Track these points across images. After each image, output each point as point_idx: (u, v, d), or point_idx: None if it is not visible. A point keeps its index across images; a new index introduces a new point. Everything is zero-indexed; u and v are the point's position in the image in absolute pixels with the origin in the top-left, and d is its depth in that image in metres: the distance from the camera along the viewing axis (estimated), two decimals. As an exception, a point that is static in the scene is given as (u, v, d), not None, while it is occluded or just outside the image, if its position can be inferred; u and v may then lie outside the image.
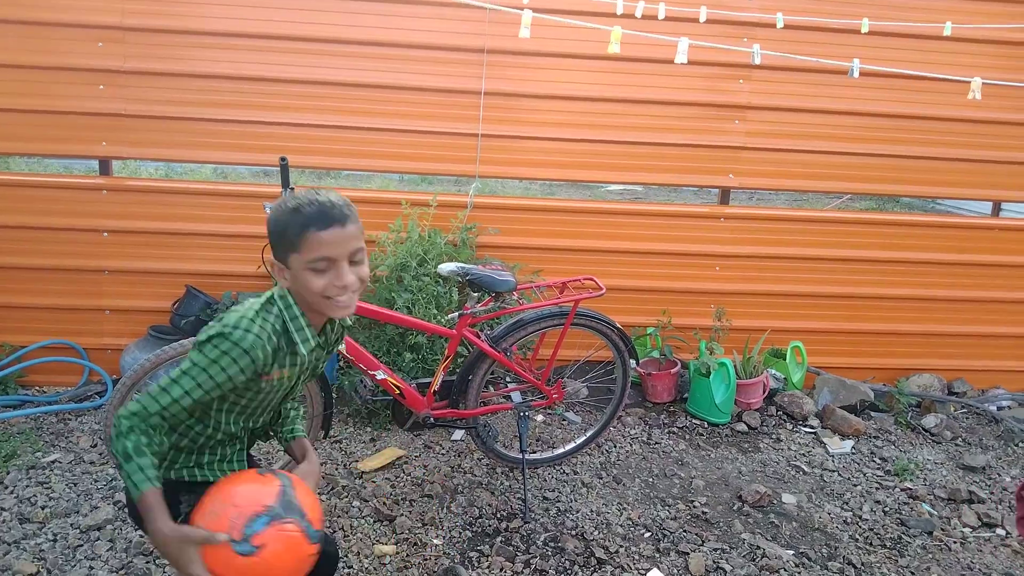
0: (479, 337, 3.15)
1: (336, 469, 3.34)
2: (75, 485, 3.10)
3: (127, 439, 1.52)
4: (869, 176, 4.41)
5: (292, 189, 3.04)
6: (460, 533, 2.95)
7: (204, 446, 1.75)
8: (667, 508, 3.23)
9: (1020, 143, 4.41)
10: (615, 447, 3.72)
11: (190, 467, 1.75)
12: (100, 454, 3.34)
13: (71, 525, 2.83)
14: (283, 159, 3.05)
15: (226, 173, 9.58)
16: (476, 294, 3.10)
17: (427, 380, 3.16)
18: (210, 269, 4.07)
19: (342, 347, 2.91)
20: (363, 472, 3.31)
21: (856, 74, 3.28)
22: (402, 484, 3.25)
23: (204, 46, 3.90)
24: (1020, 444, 4.03)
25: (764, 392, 4.15)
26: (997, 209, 6.39)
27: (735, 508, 3.27)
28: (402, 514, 3.02)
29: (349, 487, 3.19)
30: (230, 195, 4.08)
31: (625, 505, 3.23)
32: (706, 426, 4.01)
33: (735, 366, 4.09)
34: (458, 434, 3.69)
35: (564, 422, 3.95)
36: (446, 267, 3.07)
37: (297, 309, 1.67)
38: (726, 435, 3.94)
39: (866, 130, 4.32)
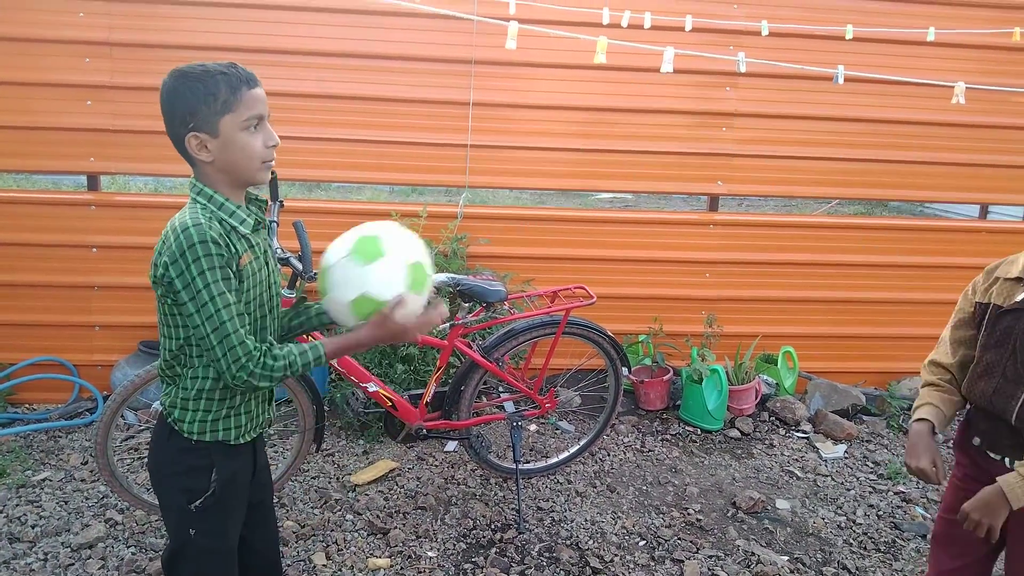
0: (471, 347, 3.15)
1: (329, 483, 3.33)
2: (66, 503, 3.08)
3: (259, 374, 1.58)
4: (857, 181, 4.43)
5: (282, 204, 3.04)
6: (454, 545, 2.94)
7: (221, 386, 1.69)
8: (661, 516, 3.23)
9: (1005, 146, 4.44)
10: (609, 455, 3.72)
11: (225, 420, 1.71)
12: (91, 471, 3.31)
13: (62, 544, 2.81)
14: (272, 172, 3.03)
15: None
16: (467, 304, 3.10)
17: (419, 391, 3.15)
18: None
19: (334, 360, 2.90)
20: (356, 485, 3.29)
21: (841, 80, 3.30)
22: (395, 497, 3.24)
23: (192, 60, 3.89)
24: (1012, 445, 4.04)
25: (756, 398, 4.16)
26: (985, 212, 6.44)
27: (729, 515, 3.27)
28: (395, 527, 3.00)
29: (342, 500, 3.17)
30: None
31: (619, 514, 3.22)
32: (699, 433, 4.01)
33: (727, 372, 4.10)
34: (451, 445, 3.68)
35: (557, 431, 3.95)
36: (436, 278, 3.07)
37: (220, 197, 1.62)
38: (719, 441, 3.94)
39: (853, 135, 4.35)
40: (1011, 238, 4.63)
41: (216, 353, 1.55)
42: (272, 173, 3.01)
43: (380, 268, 1.68)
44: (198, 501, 1.70)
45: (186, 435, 1.69)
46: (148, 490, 3.15)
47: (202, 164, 1.62)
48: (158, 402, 3.68)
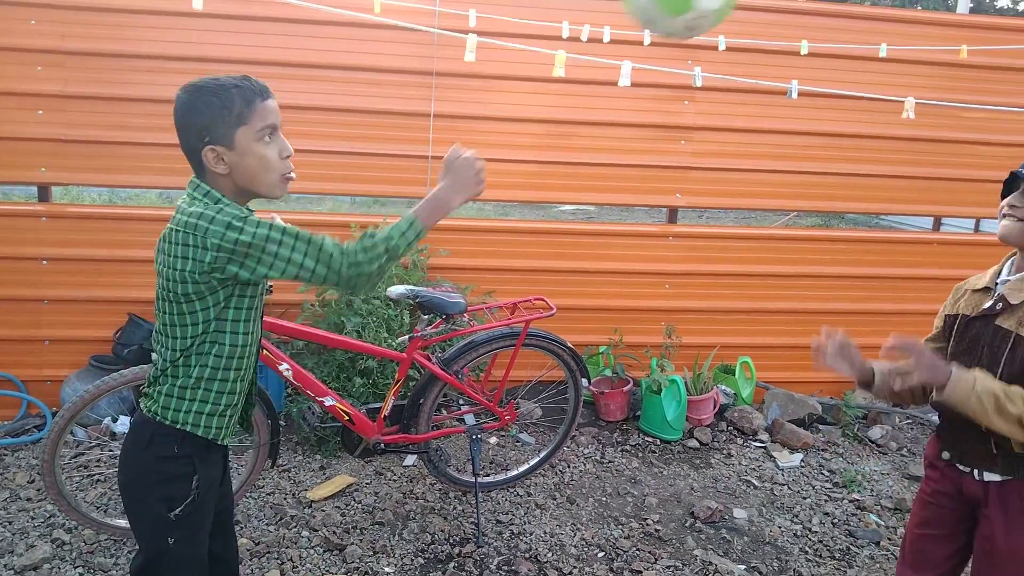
0: (430, 360, 3.14)
1: (284, 499, 3.28)
2: (10, 523, 2.99)
3: (371, 264, 1.62)
4: (814, 194, 4.52)
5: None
6: (412, 560, 2.91)
7: (235, 378, 1.73)
8: (620, 527, 3.24)
9: (957, 160, 4.56)
10: (569, 467, 3.72)
11: (219, 417, 1.73)
12: (38, 490, 3.22)
13: (5, 566, 2.72)
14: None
15: (172, 198, 9.42)
16: (426, 316, 3.09)
17: (377, 405, 3.12)
18: (153, 296, 3.98)
19: (289, 374, 2.86)
20: (312, 501, 3.25)
21: (795, 95, 3.37)
22: (352, 512, 3.20)
23: (147, 70, 3.84)
24: (962, 453, 4.12)
25: (715, 408, 4.20)
26: (938, 224, 6.60)
27: (687, 524, 3.29)
28: (352, 543, 2.97)
29: (298, 517, 3.13)
30: (174, 220, 4.00)
31: (579, 525, 3.22)
32: (659, 443, 4.04)
33: (686, 383, 4.13)
34: (410, 459, 3.65)
35: (518, 443, 3.94)
36: (395, 290, 3.06)
37: (225, 201, 1.64)
38: (678, 452, 3.97)
39: (810, 149, 4.43)
40: (963, 249, 4.75)
41: (321, 271, 1.59)
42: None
43: None
44: (178, 509, 1.69)
45: (179, 426, 1.68)
46: (98, 508, 3.08)
47: (217, 176, 1.65)
48: (108, 418, 3.60)
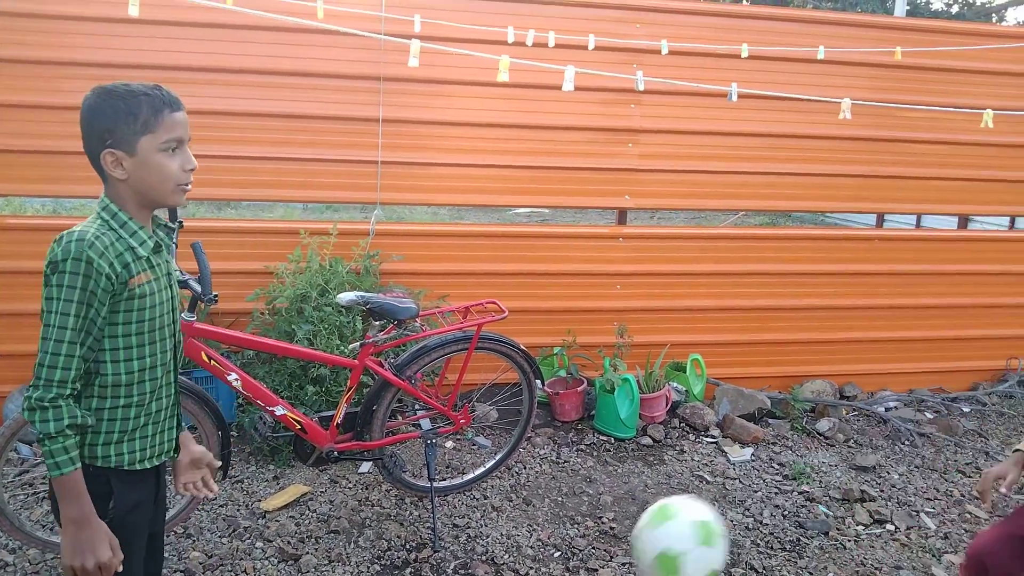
0: (382, 366, 3.13)
1: (238, 510, 3.24)
2: (-49, 546, 2.90)
3: (46, 415, 1.49)
4: (761, 193, 4.62)
5: (181, 224, 2.96)
6: (368, 568, 2.90)
7: (130, 403, 1.65)
8: (576, 526, 3.27)
9: (898, 158, 4.71)
10: (525, 468, 3.74)
11: (117, 444, 1.65)
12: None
13: (-55, 589, 2.65)
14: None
15: (119, 207, 9.23)
16: (378, 323, 3.08)
17: (330, 413, 3.11)
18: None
19: (238, 384, 2.84)
20: (266, 512, 3.22)
21: (734, 97, 3.44)
22: (307, 521, 3.18)
23: (88, 77, 3.76)
24: (906, 442, 4.26)
25: (667, 405, 4.26)
26: (881, 220, 6.78)
27: (642, 522, 3.33)
28: (307, 552, 2.94)
29: (251, 528, 3.09)
30: (119, 230, 3.93)
31: (535, 526, 3.25)
32: (613, 441, 4.08)
33: (638, 381, 4.19)
34: (365, 466, 3.64)
35: (474, 447, 3.95)
36: (345, 296, 3.04)
37: (124, 215, 1.61)
38: (632, 449, 4.02)
39: (756, 149, 4.53)
40: (905, 245, 4.90)
41: (37, 366, 1.51)
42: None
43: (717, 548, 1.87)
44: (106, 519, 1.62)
45: (86, 460, 1.61)
46: (43, 527, 3.01)
47: (115, 181, 1.61)
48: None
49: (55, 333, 1.51)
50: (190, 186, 1.67)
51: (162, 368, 1.71)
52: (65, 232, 1.55)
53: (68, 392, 1.53)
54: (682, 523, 1.88)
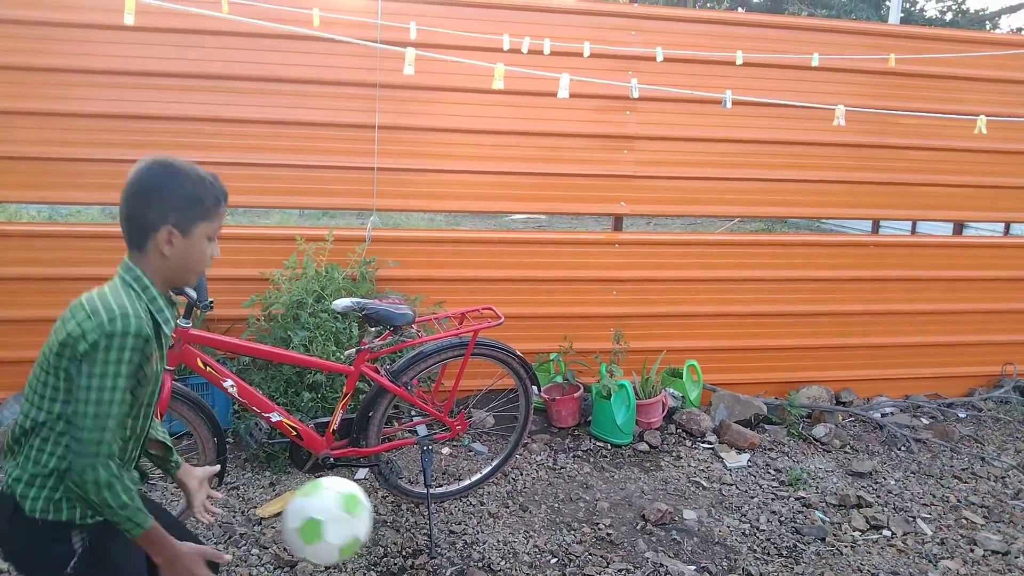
0: (378, 372, 3.12)
1: (233, 516, 3.23)
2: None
3: (115, 489, 1.52)
4: (756, 200, 4.63)
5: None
6: (365, 574, 2.89)
7: None
8: (573, 532, 3.26)
9: (894, 164, 4.72)
10: (521, 475, 3.74)
11: (62, 499, 1.60)
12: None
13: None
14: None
15: (115, 214, 9.23)
16: (374, 329, 3.08)
17: (326, 419, 3.10)
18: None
19: (234, 391, 2.83)
20: (262, 518, 3.21)
21: (729, 104, 3.45)
22: (303, 527, 3.17)
23: (85, 84, 3.78)
24: (902, 448, 4.26)
25: (663, 411, 4.26)
26: (876, 227, 6.80)
27: (638, 527, 3.33)
28: (303, 559, 2.93)
29: (247, 535, 3.08)
30: (115, 237, 3.91)
31: (531, 532, 3.24)
32: (609, 448, 4.08)
33: (635, 387, 4.19)
34: (362, 473, 3.63)
35: (470, 453, 3.94)
36: (341, 303, 3.04)
37: (154, 289, 1.65)
38: (629, 455, 4.02)
39: (752, 156, 4.54)
40: (900, 251, 4.91)
41: (85, 443, 1.50)
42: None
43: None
44: (72, 563, 1.59)
45: (35, 515, 1.57)
46: None
47: (155, 256, 1.64)
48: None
49: (105, 408, 1.51)
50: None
51: (141, 430, 1.72)
52: (111, 304, 1.54)
53: (119, 467, 1.55)
54: (328, 494, 1.98)
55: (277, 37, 3.86)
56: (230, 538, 3.06)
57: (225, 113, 3.93)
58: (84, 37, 3.74)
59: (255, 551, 2.98)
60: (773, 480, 3.83)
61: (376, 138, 4.08)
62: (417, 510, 3.36)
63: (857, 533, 3.38)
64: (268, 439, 3.08)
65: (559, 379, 4.38)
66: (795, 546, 3.24)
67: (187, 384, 3.48)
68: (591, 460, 3.96)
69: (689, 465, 3.94)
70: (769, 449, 4.16)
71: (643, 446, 4.09)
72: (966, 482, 3.92)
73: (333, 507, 1.95)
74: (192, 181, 1.62)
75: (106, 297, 1.56)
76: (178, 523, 1.92)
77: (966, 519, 3.54)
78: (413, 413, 3.45)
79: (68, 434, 1.56)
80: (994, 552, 3.25)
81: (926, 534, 3.39)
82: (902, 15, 11.52)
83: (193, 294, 2.73)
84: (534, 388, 3.49)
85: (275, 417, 2.92)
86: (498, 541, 3.16)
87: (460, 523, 3.28)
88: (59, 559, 1.60)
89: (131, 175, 1.63)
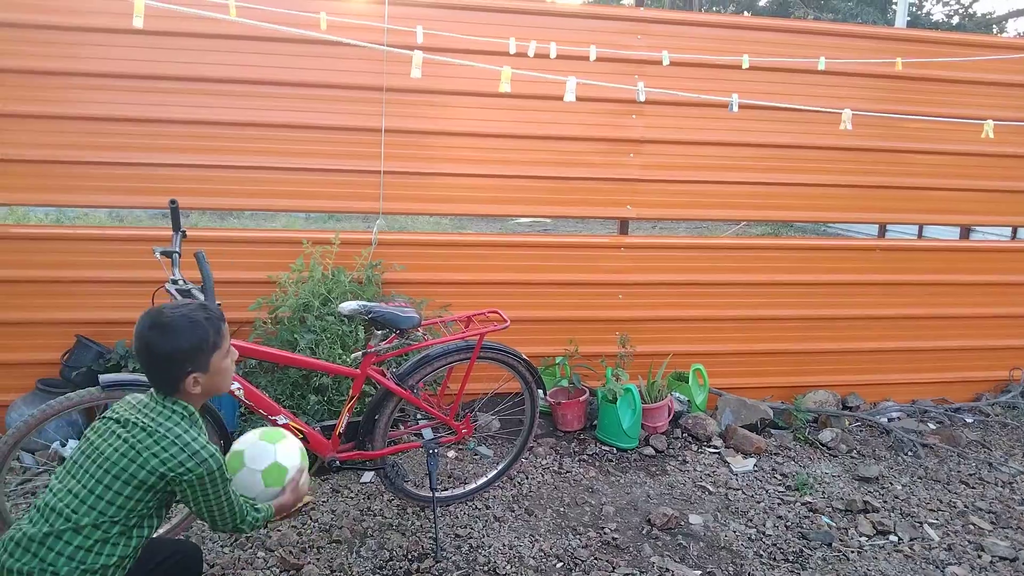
0: (384, 375, 3.13)
1: (240, 519, 3.23)
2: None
3: (249, 524, 2.00)
4: (762, 203, 4.62)
5: (184, 234, 2.97)
6: (370, 577, 2.89)
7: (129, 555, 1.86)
8: (578, 537, 3.26)
9: (900, 168, 4.71)
10: (527, 478, 3.74)
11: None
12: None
13: (-53, 599, 2.64)
14: (173, 202, 2.98)
15: (122, 217, 9.27)
16: (380, 332, 3.08)
17: (332, 422, 3.11)
18: (103, 317, 3.92)
19: (241, 393, 2.84)
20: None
21: (735, 108, 3.45)
22: (309, 531, 3.17)
23: (92, 87, 3.79)
24: (909, 453, 4.25)
25: (669, 415, 4.26)
26: (883, 231, 6.78)
27: (644, 532, 3.32)
28: (309, 562, 2.94)
29: (253, 537, 3.09)
30: (123, 239, 3.94)
31: (537, 537, 3.24)
32: (615, 452, 4.08)
33: (640, 391, 4.18)
34: (367, 476, 3.63)
35: (476, 456, 3.94)
36: (347, 306, 3.04)
37: (197, 414, 1.91)
38: (634, 460, 4.02)
39: (758, 160, 4.53)
40: (906, 255, 4.89)
41: (231, 524, 1.95)
42: (173, 202, 2.97)
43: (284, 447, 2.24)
44: None
45: None
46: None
47: (188, 395, 1.89)
48: (57, 443, 3.53)
49: (235, 506, 1.93)
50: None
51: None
52: (196, 445, 1.82)
53: (249, 509, 2.02)
54: (250, 433, 2.28)
55: (284, 41, 3.87)
56: (235, 541, 3.06)
57: (231, 117, 3.95)
58: (89, 40, 3.76)
59: (261, 554, 2.98)
60: (779, 485, 3.82)
61: (383, 142, 4.09)
62: (423, 513, 3.36)
63: (864, 538, 3.37)
64: (274, 442, 3.08)
65: (565, 383, 4.38)
66: (801, 551, 3.23)
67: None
68: (597, 464, 3.95)
69: (695, 470, 3.93)
70: (775, 454, 4.15)
71: (649, 450, 4.09)
72: (973, 487, 3.91)
73: (252, 437, 2.23)
74: (190, 331, 1.83)
75: (187, 431, 1.83)
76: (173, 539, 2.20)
77: (973, 525, 3.52)
78: (419, 416, 3.45)
79: (213, 527, 1.95)
80: (1002, 558, 3.23)
81: (933, 540, 3.38)
82: (909, 19, 11.51)
83: (200, 297, 2.74)
84: (540, 392, 3.49)
85: (281, 420, 2.92)
86: (503, 545, 3.15)
87: (466, 527, 3.28)
88: None
89: (136, 335, 1.85)
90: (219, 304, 2.75)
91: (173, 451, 1.78)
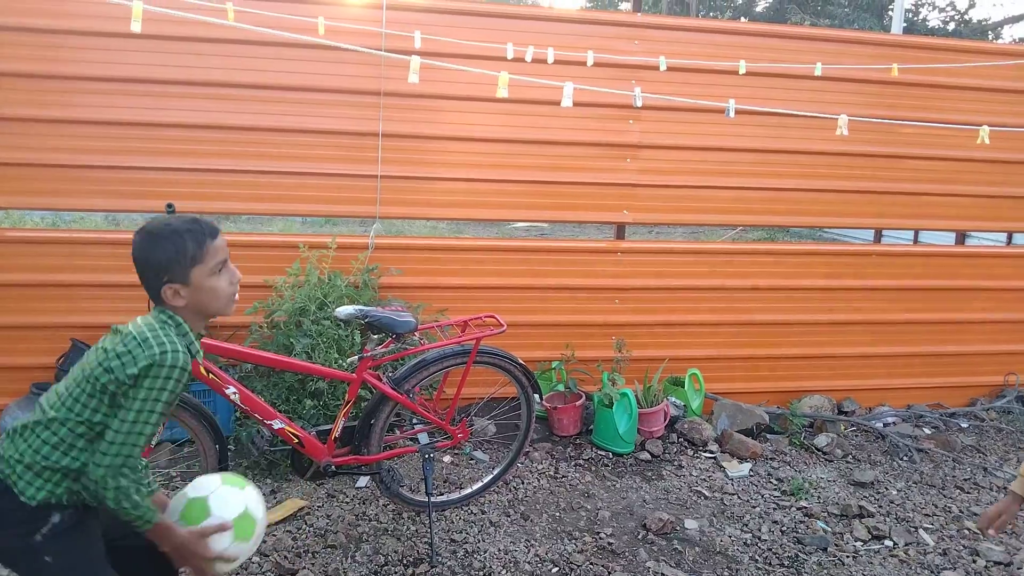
0: (380, 380, 3.13)
1: (235, 524, 3.22)
2: (-54, 559, 2.88)
3: (131, 494, 1.71)
4: (759, 208, 4.63)
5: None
6: (365, 582, 2.89)
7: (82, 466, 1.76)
8: (574, 541, 3.26)
9: (896, 174, 4.72)
10: (523, 483, 3.73)
11: (73, 488, 1.76)
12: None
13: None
14: (169, 206, 2.99)
15: (119, 221, 9.27)
16: (376, 336, 3.09)
17: (328, 427, 3.10)
18: (98, 321, 3.90)
19: (236, 398, 2.83)
20: (263, 525, 3.20)
21: (732, 114, 3.46)
22: (304, 536, 3.17)
23: (89, 91, 3.79)
24: (904, 458, 4.25)
25: (665, 420, 4.26)
26: (879, 236, 6.79)
27: (640, 537, 3.32)
28: (304, 567, 2.93)
29: (248, 542, 3.08)
30: (119, 243, 3.93)
31: (532, 541, 3.24)
32: (611, 456, 4.08)
33: (636, 396, 4.19)
34: (363, 481, 3.63)
35: (472, 461, 3.94)
36: (343, 310, 3.05)
37: (186, 326, 1.84)
38: (630, 464, 4.02)
39: (754, 165, 4.54)
40: (902, 260, 4.91)
41: (114, 455, 1.69)
42: (169, 206, 2.97)
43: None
44: (44, 529, 1.73)
45: (26, 500, 1.71)
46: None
47: (173, 306, 1.84)
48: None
49: (140, 427, 1.71)
50: (237, 296, 1.94)
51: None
52: (161, 339, 1.74)
53: (138, 478, 1.75)
54: (211, 477, 1.97)
55: (282, 45, 3.86)
56: (231, 545, 3.05)
57: (229, 120, 3.95)
58: (86, 44, 3.75)
59: (255, 559, 2.98)
60: (775, 490, 3.83)
61: (380, 146, 4.09)
62: (418, 519, 3.35)
63: (859, 543, 3.38)
64: (270, 446, 3.08)
65: (561, 387, 4.38)
66: (797, 556, 3.24)
67: (189, 391, 3.49)
68: (593, 469, 3.95)
69: (691, 474, 3.94)
70: (771, 459, 4.15)
71: (645, 455, 4.09)
72: (968, 492, 3.91)
73: (214, 482, 1.93)
74: (168, 239, 1.78)
75: (155, 330, 1.76)
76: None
77: (968, 530, 3.53)
78: (415, 421, 3.45)
79: (97, 441, 1.72)
80: (996, 563, 3.24)
81: (928, 545, 3.38)
82: (905, 25, 11.55)
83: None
84: (536, 396, 3.49)
85: (277, 424, 2.92)
86: (499, 550, 3.15)
87: (461, 532, 3.28)
88: (32, 526, 1.73)
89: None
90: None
91: (131, 346, 1.73)
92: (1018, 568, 3.21)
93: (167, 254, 1.78)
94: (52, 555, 1.74)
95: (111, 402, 1.74)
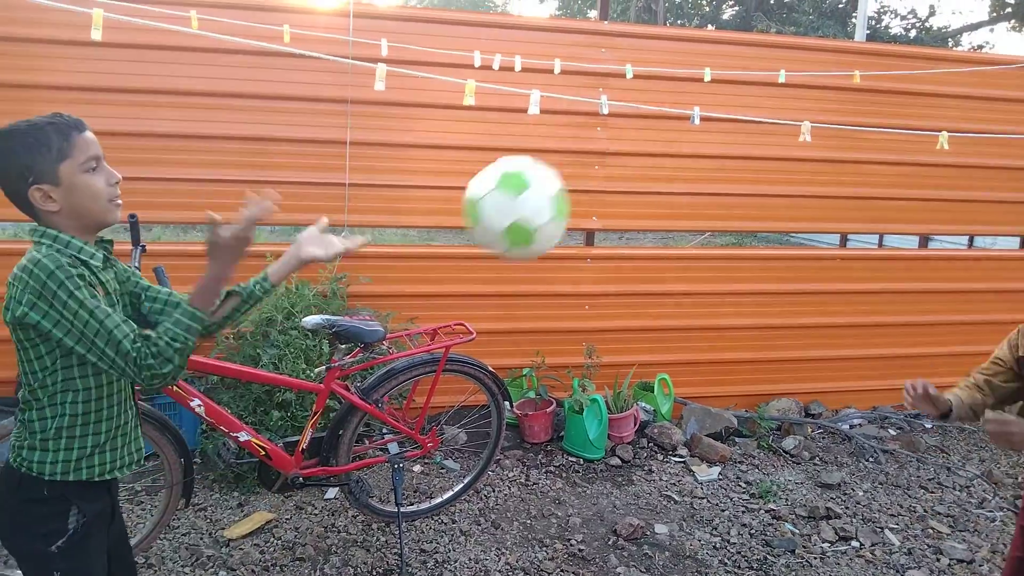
0: (349, 390, 3.10)
1: (201, 538, 3.18)
2: (-100, 581, 2.81)
3: (164, 366, 1.58)
4: (727, 214, 4.68)
5: (144, 248, 2.93)
6: (334, 594, 2.86)
7: (100, 417, 1.70)
8: (545, 549, 3.26)
9: (861, 179, 4.80)
10: (494, 491, 3.73)
11: (89, 458, 1.70)
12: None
13: None
14: (132, 216, 2.94)
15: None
16: (344, 346, 3.06)
17: (295, 439, 3.07)
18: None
19: (202, 410, 2.80)
20: (230, 539, 3.16)
21: (697, 121, 3.49)
22: (272, 549, 3.13)
23: (56, 100, 3.72)
24: (870, 459, 4.31)
25: (635, 425, 4.28)
26: (844, 241, 6.89)
27: (610, 543, 3.33)
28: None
29: (215, 556, 3.04)
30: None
31: (503, 550, 3.23)
32: (582, 463, 4.08)
33: (607, 401, 4.20)
34: (332, 492, 3.60)
35: (442, 470, 3.92)
36: (310, 320, 3.02)
37: (66, 236, 1.63)
38: (601, 470, 4.03)
39: (722, 171, 4.59)
40: (867, 264, 4.98)
41: (116, 362, 1.55)
42: (132, 216, 2.93)
43: (530, 198, 1.87)
44: (60, 541, 1.67)
45: (47, 477, 1.65)
46: (5, 562, 2.92)
47: (48, 215, 1.62)
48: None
49: (98, 326, 1.54)
50: (120, 199, 1.71)
51: (125, 379, 1.73)
52: (24, 263, 1.56)
53: (141, 341, 1.58)
54: (540, 196, 1.92)
55: (247, 53, 3.83)
56: (197, 560, 3.01)
57: (195, 129, 3.90)
58: (49, 53, 3.69)
59: (223, 573, 2.94)
60: (744, 493, 3.86)
61: (348, 154, 4.07)
62: (388, 529, 3.33)
63: (826, 544, 3.41)
64: (236, 459, 3.05)
65: (532, 394, 4.39)
66: (765, 559, 3.27)
67: (153, 404, 3.44)
68: (564, 475, 3.96)
69: (661, 479, 3.96)
70: (740, 462, 4.19)
71: (615, 460, 4.10)
72: (932, 492, 3.98)
73: (547, 213, 1.85)
74: (27, 133, 1.58)
75: (20, 264, 1.58)
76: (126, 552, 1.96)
77: (932, 529, 3.58)
78: (384, 431, 3.43)
79: (75, 379, 1.63)
80: (959, 560, 3.30)
81: (894, 544, 3.43)
82: (868, 32, 11.75)
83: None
84: (506, 404, 3.49)
85: (243, 437, 2.89)
86: (469, 559, 3.14)
87: (431, 542, 3.26)
88: (51, 534, 1.66)
89: None
90: (143, 246, 2.73)
91: (9, 290, 1.57)
92: (980, 565, 3.27)
93: (28, 149, 1.57)
94: (61, 572, 1.69)
95: (43, 342, 1.60)
